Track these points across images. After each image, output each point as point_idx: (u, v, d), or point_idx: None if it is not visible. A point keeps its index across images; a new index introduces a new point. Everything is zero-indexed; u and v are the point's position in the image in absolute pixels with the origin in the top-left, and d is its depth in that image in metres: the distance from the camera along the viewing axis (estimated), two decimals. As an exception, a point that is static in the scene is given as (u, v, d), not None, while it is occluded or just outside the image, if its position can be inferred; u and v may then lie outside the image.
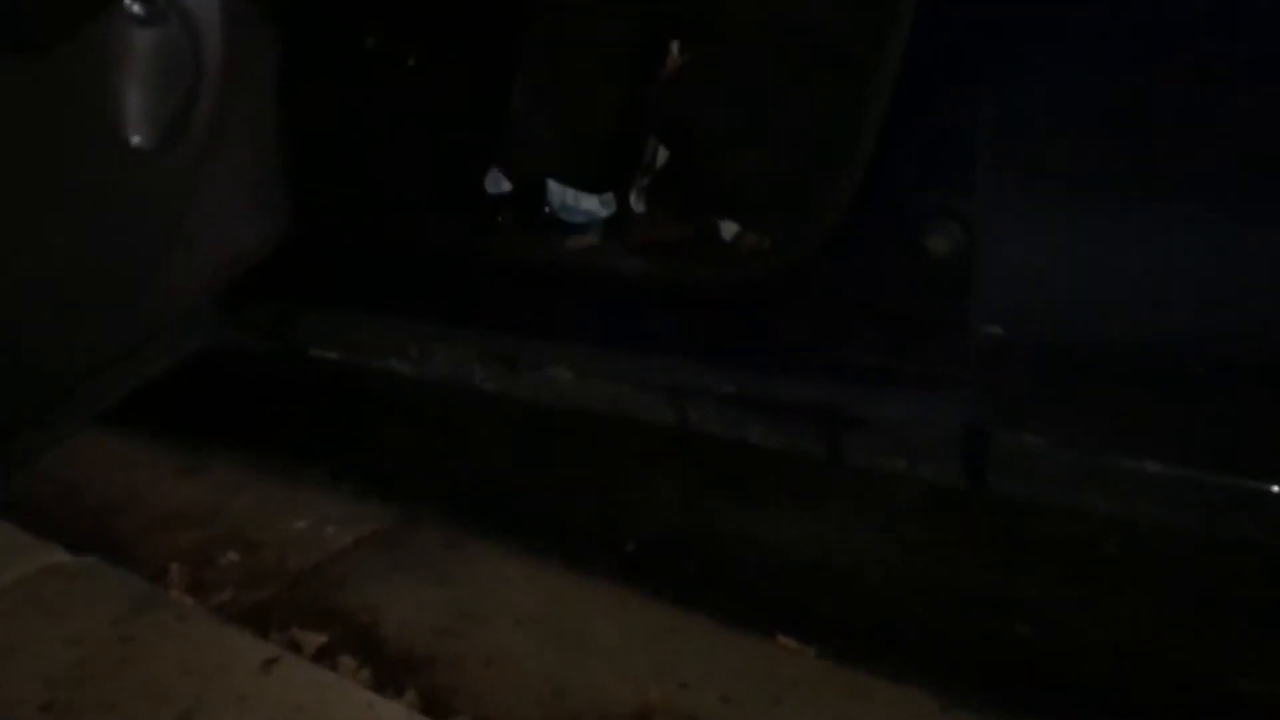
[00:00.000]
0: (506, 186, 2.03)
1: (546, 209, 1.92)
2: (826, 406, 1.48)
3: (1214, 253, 1.13)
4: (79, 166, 1.50)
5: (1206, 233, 1.13)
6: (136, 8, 1.52)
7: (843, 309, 1.46)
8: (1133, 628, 1.46)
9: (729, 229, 1.95)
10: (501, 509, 1.91)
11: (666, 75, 1.98)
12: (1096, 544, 1.60)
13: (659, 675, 1.45)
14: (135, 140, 1.53)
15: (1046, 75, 1.19)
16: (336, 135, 2.02)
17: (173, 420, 2.33)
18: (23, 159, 1.43)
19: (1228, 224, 1.12)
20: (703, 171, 1.87)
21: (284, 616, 1.64)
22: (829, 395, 1.48)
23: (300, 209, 1.99)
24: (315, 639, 1.57)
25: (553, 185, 1.92)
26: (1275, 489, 1.15)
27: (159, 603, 1.49)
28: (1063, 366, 1.23)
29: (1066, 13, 1.18)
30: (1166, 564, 1.55)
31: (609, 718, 1.39)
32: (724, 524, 1.79)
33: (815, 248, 1.47)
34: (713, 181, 1.83)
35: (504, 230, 1.95)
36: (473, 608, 1.64)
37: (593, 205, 1.90)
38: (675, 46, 2.01)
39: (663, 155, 2.17)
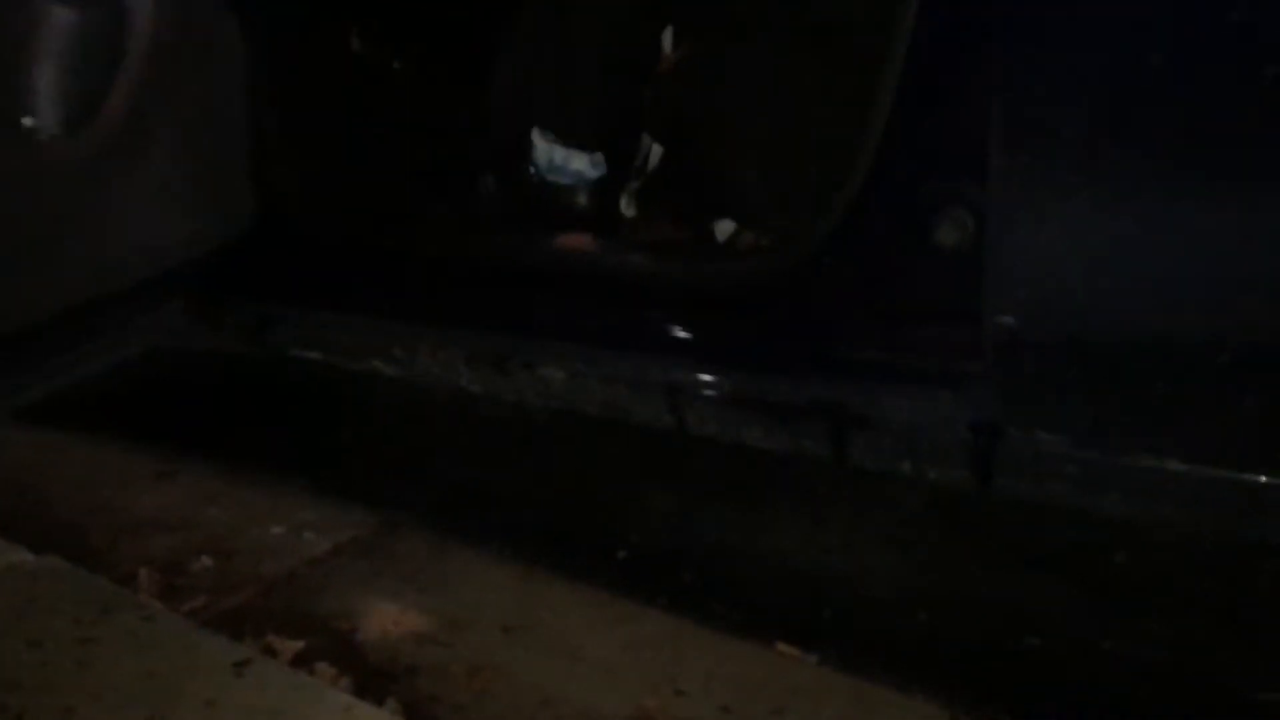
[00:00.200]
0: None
1: (532, 170, 1.87)
2: (829, 405, 1.43)
3: (1243, 239, 1.08)
4: None
5: (1234, 218, 1.09)
6: None
7: (846, 304, 1.42)
8: (1146, 638, 1.41)
9: (724, 230, 1.91)
10: (487, 516, 1.85)
11: (663, 72, 1.94)
12: (1107, 553, 1.55)
13: (654, 684, 1.39)
14: (29, 121, 1.47)
15: (1062, 54, 1.15)
16: (314, 130, 1.97)
17: (143, 426, 2.26)
18: None
19: (1255, 209, 1.08)
20: (701, 170, 1.83)
21: (259, 623, 1.56)
22: (832, 394, 1.43)
23: (271, 205, 1.94)
24: (291, 646, 1.50)
25: (539, 146, 1.86)
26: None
27: (124, 605, 1.41)
28: (1079, 360, 1.18)
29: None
30: (1179, 574, 1.50)
31: (602, 728, 1.32)
32: (720, 532, 1.73)
33: (818, 244, 1.43)
34: (712, 180, 1.79)
35: (486, 198, 1.88)
36: (457, 615, 1.57)
37: (582, 166, 1.85)
38: (670, 42, 1.98)
39: (655, 158, 2.13)
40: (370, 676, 1.44)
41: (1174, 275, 1.11)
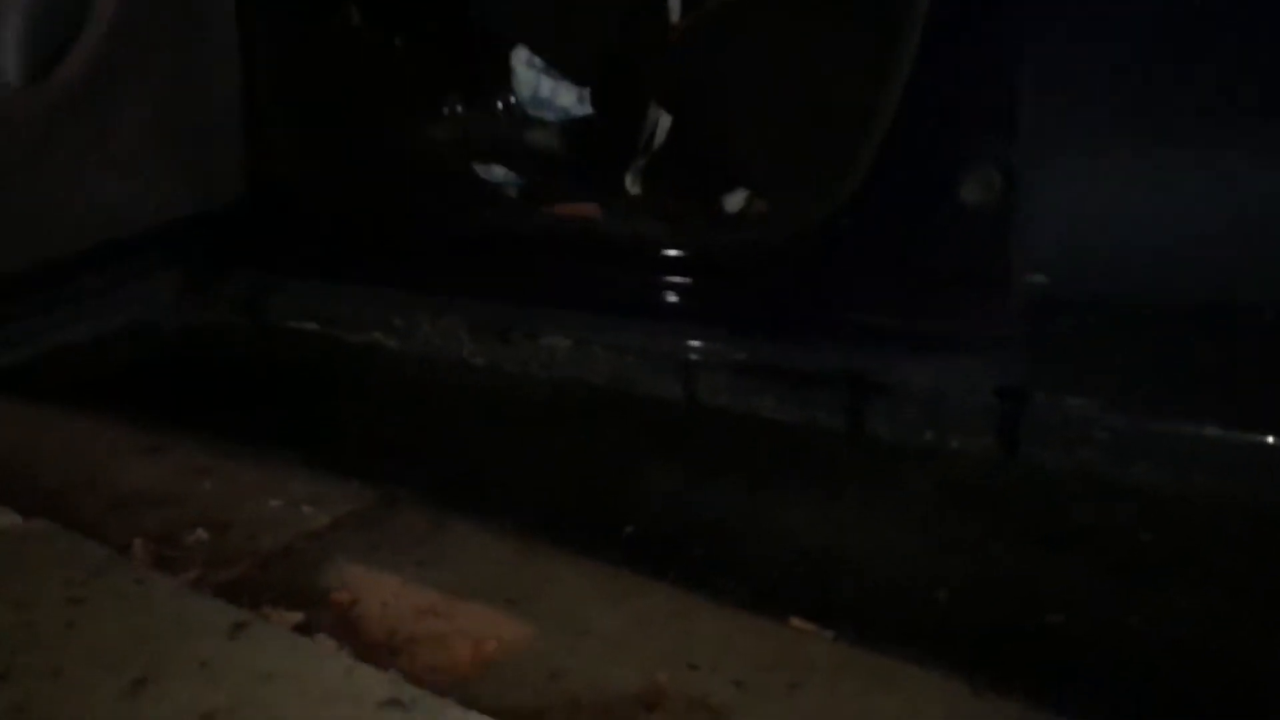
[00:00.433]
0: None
1: (511, 99, 1.75)
2: (847, 374, 1.39)
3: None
4: None
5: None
6: None
7: (866, 268, 1.37)
8: (1173, 615, 1.37)
9: (734, 204, 1.86)
10: (489, 492, 1.80)
11: (672, 39, 1.89)
12: (1131, 531, 1.51)
13: (665, 658, 1.34)
14: None
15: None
16: (310, 97, 1.92)
17: (134, 401, 2.21)
18: None
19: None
20: (713, 139, 1.78)
21: (255, 595, 1.51)
22: (850, 362, 1.39)
23: (267, 173, 1.89)
24: (289, 618, 1.45)
25: (523, 74, 1.75)
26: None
27: (115, 568, 1.36)
28: (1115, 320, 1.14)
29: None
30: (1205, 551, 1.46)
31: (611, 701, 1.28)
32: (729, 508, 1.68)
33: (835, 207, 1.38)
34: (724, 149, 1.74)
35: (451, 125, 1.78)
36: (460, 589, 1.53)
37: (569, 103, 1.74)
38: (679, 9, 1.93)
39: (661, 135, 2.08)
40: (370, 649, 1.39)
41: (1217, 231, 1.07)
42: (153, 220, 1.73)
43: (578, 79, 1.72)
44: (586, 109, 1.73)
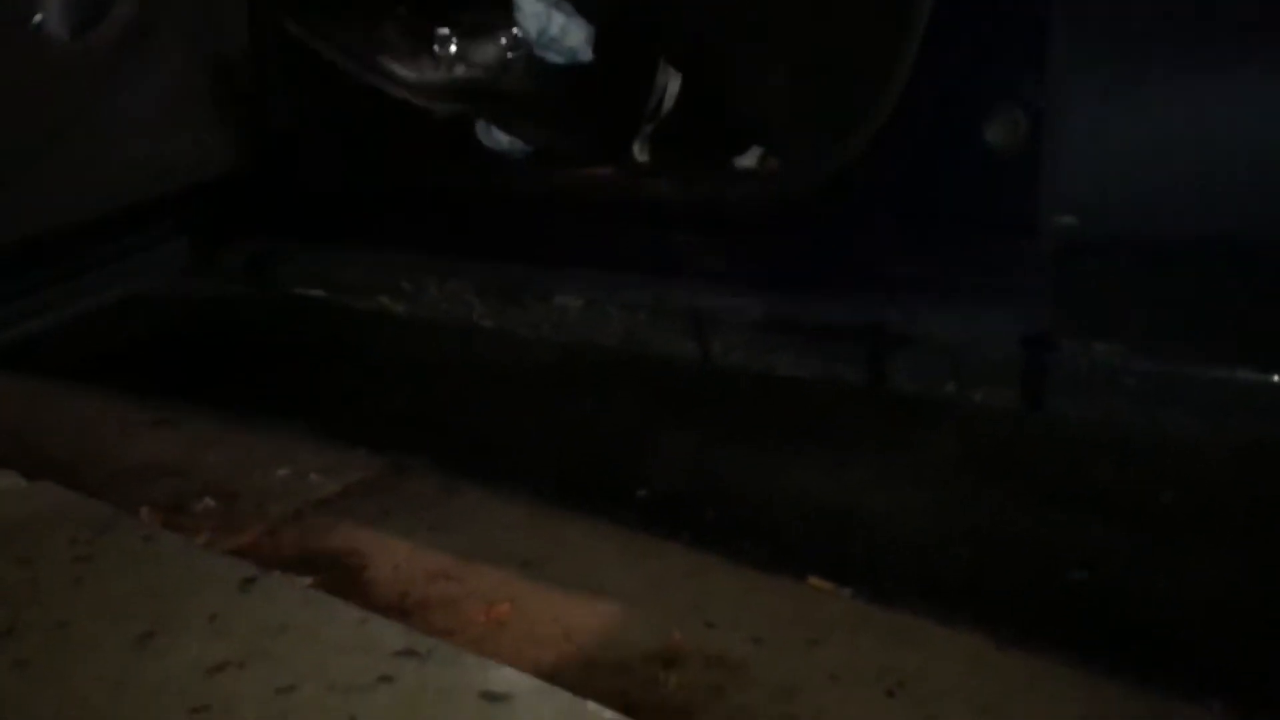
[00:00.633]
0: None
1: (515, 31, 1.57)
2: (867, 326, 1.36)
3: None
4: None
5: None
6: None
7: (885, 216, 1.34)
8: (1201, 572, 1.34)
9: (746, 163, 1.83)
10: (500, 457, 1.77)
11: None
12: (1152, 490, 1.48)
13: (682, 618, 1.32)
14: (38, 18, 1.40)
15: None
16: (318, 58, 1.88)
17: (140, 373, 2.19)
18: None
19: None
20: (724, 95, 1.74)
21: (265, 560, 1.48)
22: (870, 313, 1.35)
23: (273, 138, 1.86)
24: (299, 582, 1.43)
25: (531, 9, 1.61)
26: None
27: (122, 525, 1.33)
28: (1147, 261, 1.10)
29: None
30: (1228, 509, 1.43)
31: (628, 659, 1.25)
32: (742, 470, 1.66)
33: (853, 156, 1.35)
34: (737, 103, 1.69)
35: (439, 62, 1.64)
36: (472, 553, 1.50)
37: (578, 42, 1.62)
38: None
39: (670, 101, 2.05)
40: (383, 612, 1.36)
41: (1255, 167, 1.03)
42: (171, 185, 1.70)
43: (589, 13, 1.59)
44: (589, 59, 1.61)
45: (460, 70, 1.55)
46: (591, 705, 1.05)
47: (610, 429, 1.81)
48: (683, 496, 1.62)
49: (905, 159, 1.29)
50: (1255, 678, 1.18)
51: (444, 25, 1.55)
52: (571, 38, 1.54)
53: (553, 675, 1.17)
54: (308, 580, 1.43)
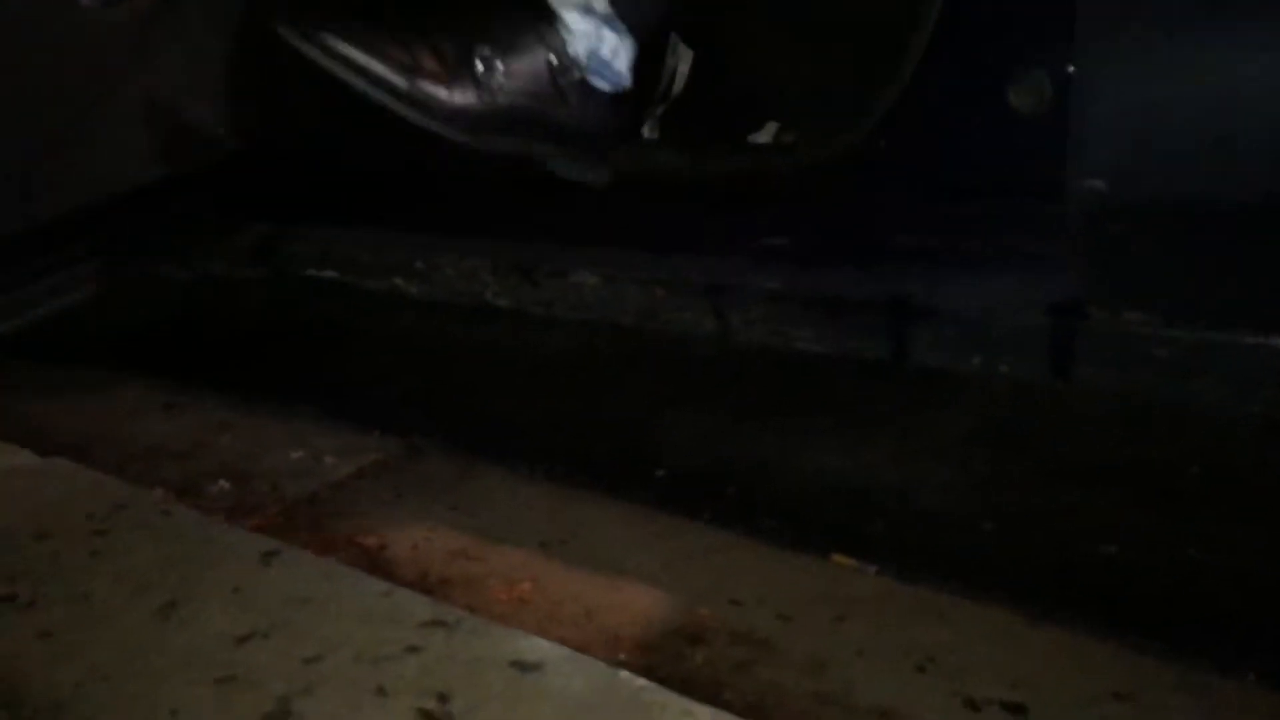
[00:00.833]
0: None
1: (551, 56, 1.32)
2: (888, 298, 1.34)
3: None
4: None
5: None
6: None
7: (907, 186, 1.32)
8: (1234, 546, 1.32)
9: (761, 139, 1.81)
10: (514, 438, 1.76)
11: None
12: (1179, 465, 1.46)
13: (706, 595, 1.30)
14: None
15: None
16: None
17: (151, 356, 2.18)
18: None
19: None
20: (739, 67, 1.72)
21: (282, 540, 1.47)
22: (891, 285, 1.33)
23: (282, 116, 1.84)
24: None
25: (580, 28, 1.49)
26: None
27: (139, 500, 1.32)
28: (1180, 225, 1.08)
29: None
30: (1257, 485, 1.42)
31: (653, 637, 1.24)
32: (763, 449, 1.64)
33: (873, 124, 1.33)
34: (752, 76, 1.67)
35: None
36: (490, 531, 1.49)
37: (624, 68, 1.52)
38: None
39: (680, 82, 2.03)
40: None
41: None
42: (190, 163, 1.69)
43: (641, 30, 1.37)
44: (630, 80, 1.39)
45: (503, 99, 1.30)
46: (624, 674, 1.04)
47: (628, 407, 1.79)
48: (702, 475, 1.60)
49: (926, 126, 1.26)
50: (1289, 649, 1.16)
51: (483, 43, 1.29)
52: (620, 61, 1.34)
53: (578, 652, 1.15)
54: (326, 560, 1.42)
